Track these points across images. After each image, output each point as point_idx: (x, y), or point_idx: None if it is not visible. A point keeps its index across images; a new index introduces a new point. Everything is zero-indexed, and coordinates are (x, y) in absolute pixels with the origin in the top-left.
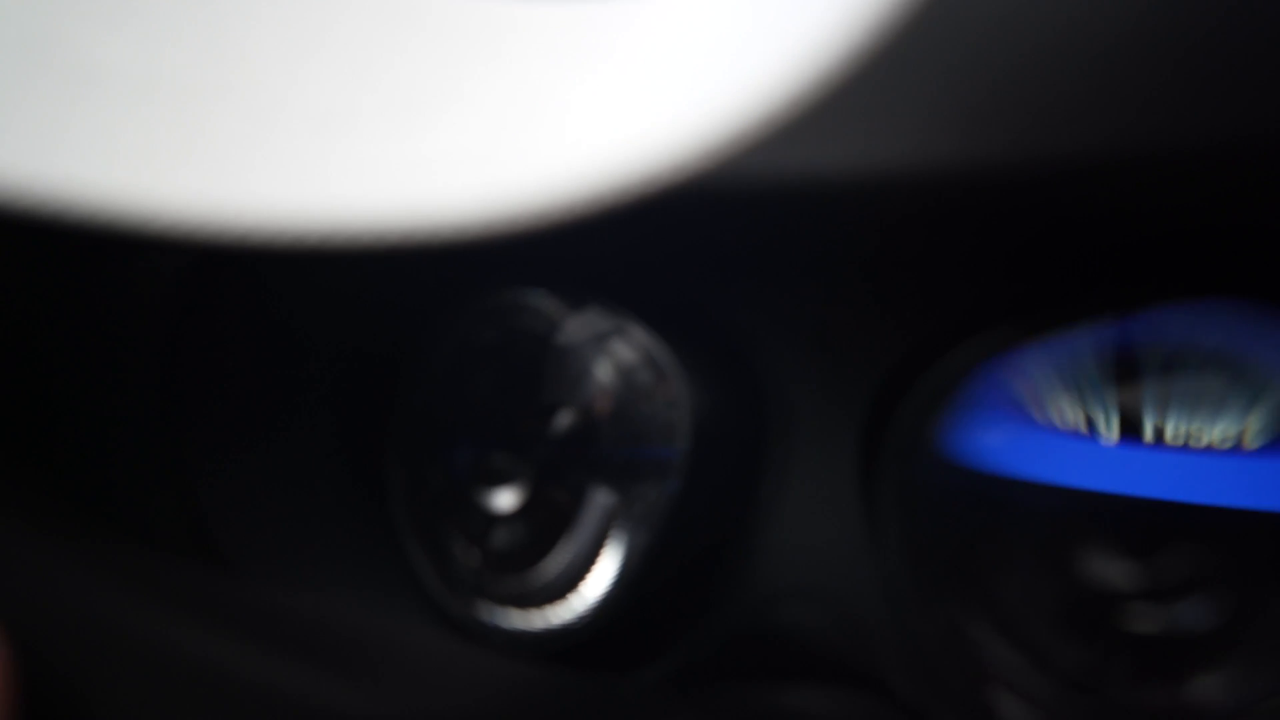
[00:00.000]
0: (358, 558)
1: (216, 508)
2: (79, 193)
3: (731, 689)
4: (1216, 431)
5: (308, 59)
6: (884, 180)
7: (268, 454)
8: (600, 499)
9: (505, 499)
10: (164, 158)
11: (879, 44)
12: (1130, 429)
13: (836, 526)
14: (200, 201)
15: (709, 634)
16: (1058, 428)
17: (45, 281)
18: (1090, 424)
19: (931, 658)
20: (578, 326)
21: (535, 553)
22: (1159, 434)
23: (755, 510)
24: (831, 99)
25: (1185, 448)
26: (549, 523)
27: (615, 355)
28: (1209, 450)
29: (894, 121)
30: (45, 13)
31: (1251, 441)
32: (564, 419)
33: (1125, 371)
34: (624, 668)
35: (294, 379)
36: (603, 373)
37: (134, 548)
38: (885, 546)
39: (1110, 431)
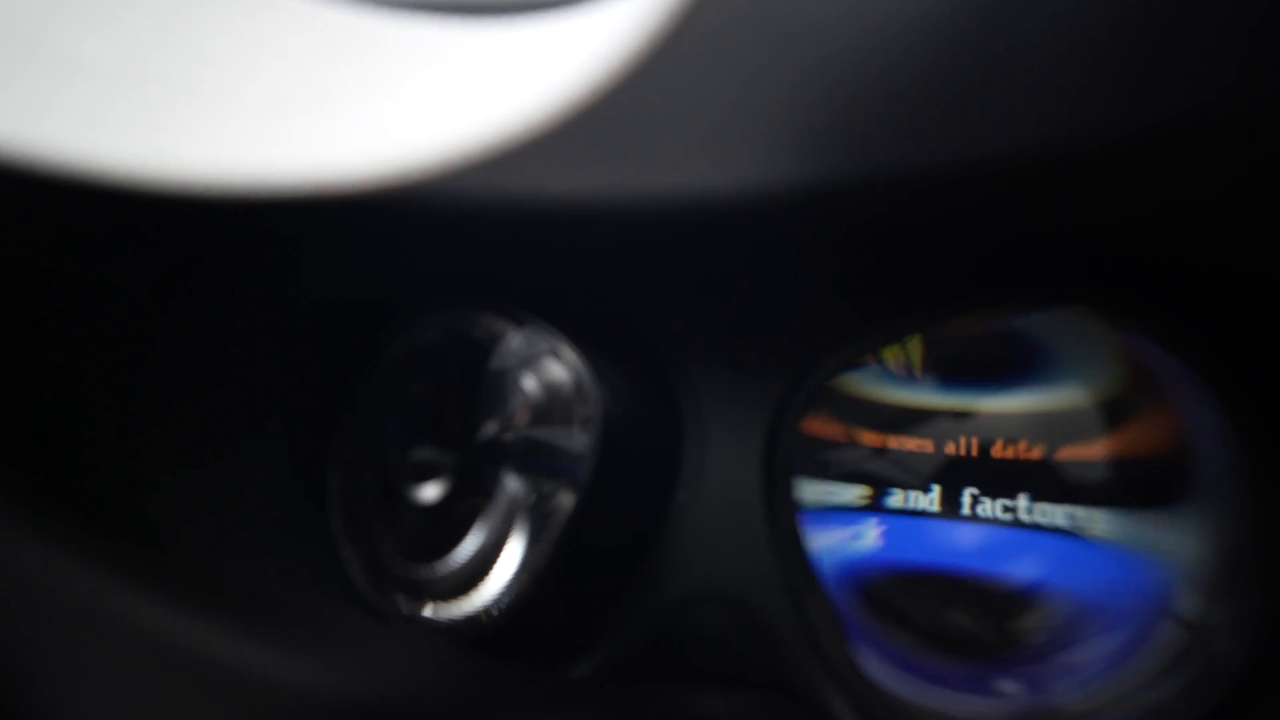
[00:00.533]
0: (294, 558)
1: (162, 505)
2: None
3: (647, 690)
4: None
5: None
6: (771, 200)
7: (216, 459)
8: (511, 496)
9: (427, 491)
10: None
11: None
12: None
13: (743, 533)
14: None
15: (624, 635)
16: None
17: (30, 273)
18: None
19: (823, 647)
20: (516, 342)
21: (448, 543)
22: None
23: (667, 518)
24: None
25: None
26: (464, 516)
27: (545, 371)
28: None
29: (770, 143)
30: None
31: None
32: (489, 421)
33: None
34: (541, 664)
35: (247, 388)
36: (530, 385)
37: (79, 522)
38: (782, 549)
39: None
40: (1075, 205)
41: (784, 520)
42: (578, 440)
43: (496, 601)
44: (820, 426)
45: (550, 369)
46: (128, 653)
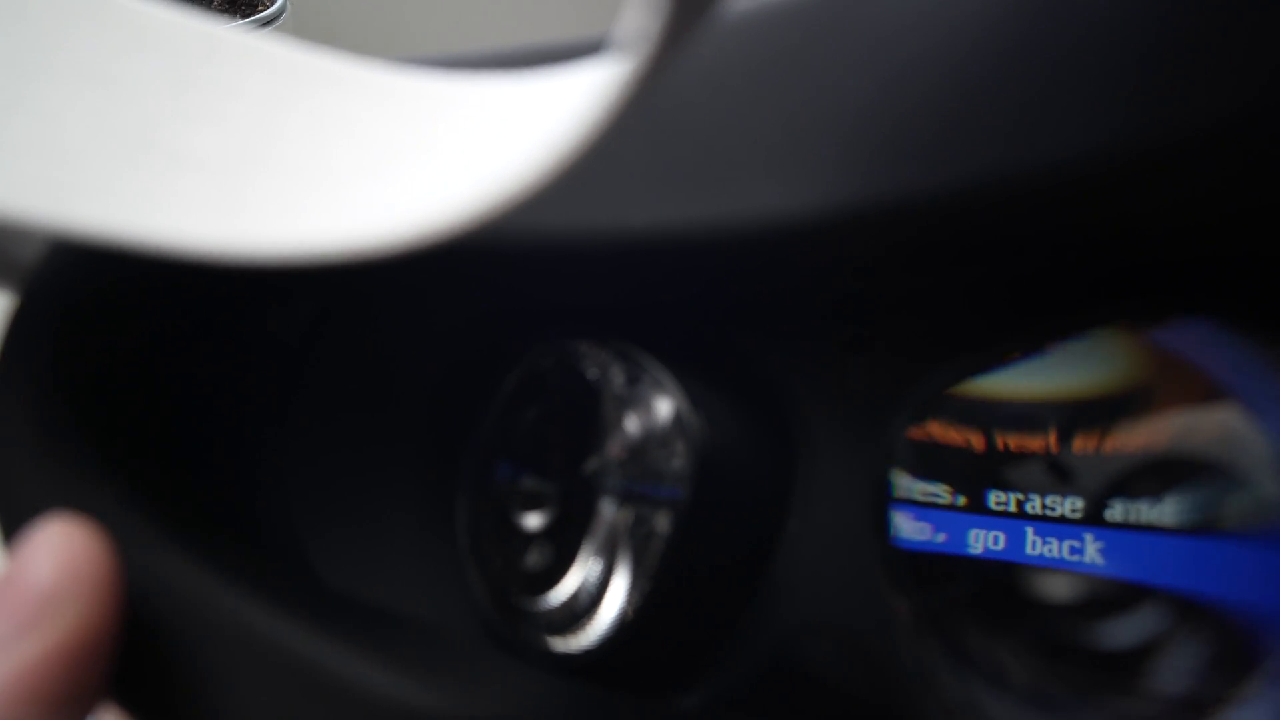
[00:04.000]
0: (424, 581)
1: (313, 533)
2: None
3: None
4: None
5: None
6: (850, 217)
7: (357, 488)
8: (611, 523)
9: (532, 520)
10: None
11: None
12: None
13: (856, 564)
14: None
15: (734, 667)
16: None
17: (198, 323)
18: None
19: (938, 685)
20: (617, 371)
21: (556, 572)
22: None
23: (779, 547)
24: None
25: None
26: (568, 544)
27: (645, 399)
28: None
29: (844, 160)
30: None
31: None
32: (590, 450)
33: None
34: (649, 694)
35: (382, 421)
36: (631, 413)
37: (239, 548)
38: (892, 577)
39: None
40: (1165, 207)
41: (893, 548)
42: (677, 466)
43: (604, 629)
44: (928, 433)
45: (650, 397)
46: (288, 677)
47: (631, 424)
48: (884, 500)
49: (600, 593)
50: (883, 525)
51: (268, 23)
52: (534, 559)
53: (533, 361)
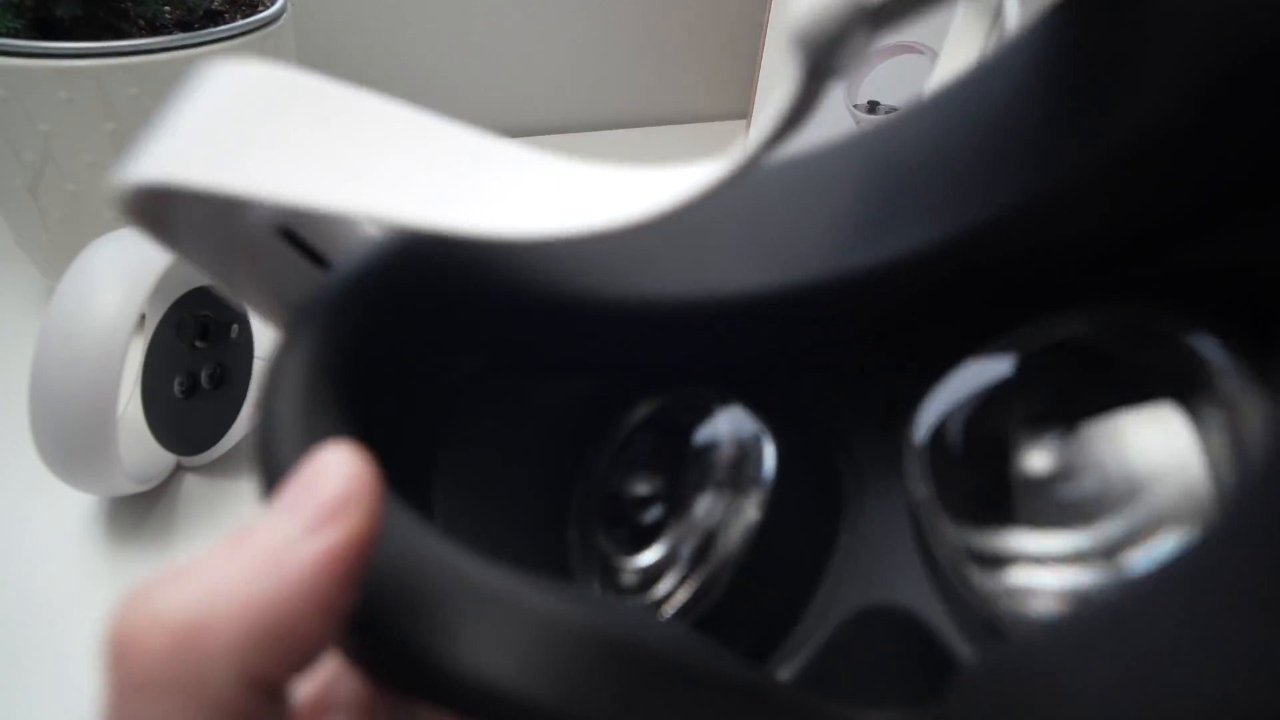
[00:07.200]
0: (540, 569)
1: (448, 525)
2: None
3: (820, 706)
4: None
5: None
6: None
7: (487, 512)
8: (696, 519)
9: (637, 523)
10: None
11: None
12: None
13: (907, 560)
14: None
15: (799, 649)
16: None
17: (413, 355)
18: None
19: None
20: (710, 409)
21: (656, 572)
22: None
23: (835, 550)
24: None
25: None
26: (667, 547)
27: (735, 430)
28: None
29: (833, 237)
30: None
31: None
32: (689, 466)
33: None
34: None
35: (513, 454)
36: (722, 442)
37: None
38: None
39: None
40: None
41: (933, 556)
42: (754, 485)
43: (694, 616)
44: (948, 449)
45: (737, 428)
46: (480, 600)
47: (721, 450)
48: (918, 515)
49: (674, 585)
50: (921, 535)
51: (269, 22)
52: (637, 556)
53: (638, 411)
